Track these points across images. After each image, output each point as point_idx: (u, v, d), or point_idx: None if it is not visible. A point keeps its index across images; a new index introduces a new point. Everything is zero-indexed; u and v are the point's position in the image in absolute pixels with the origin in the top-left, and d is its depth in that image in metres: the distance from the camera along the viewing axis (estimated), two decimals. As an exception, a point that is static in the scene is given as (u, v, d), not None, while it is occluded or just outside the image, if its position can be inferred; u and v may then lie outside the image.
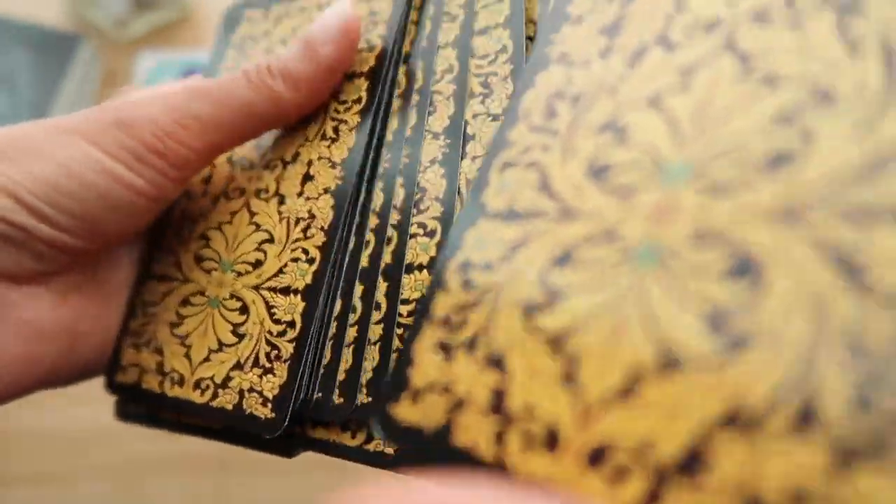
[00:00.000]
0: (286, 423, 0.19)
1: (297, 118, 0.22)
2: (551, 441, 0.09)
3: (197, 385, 0.21)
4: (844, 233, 0.09)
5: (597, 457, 0.09)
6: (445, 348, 0.12)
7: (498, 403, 0.10)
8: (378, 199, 0.20)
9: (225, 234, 0.22)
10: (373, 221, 0.20)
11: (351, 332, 0.19)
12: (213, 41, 0.29)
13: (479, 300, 0.12)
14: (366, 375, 0.18)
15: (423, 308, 0.13)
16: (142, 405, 0.23)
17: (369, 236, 0.20)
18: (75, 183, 0.19)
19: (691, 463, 0.08)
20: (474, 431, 0.10)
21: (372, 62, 0.22)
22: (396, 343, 0.18)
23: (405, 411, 0.12)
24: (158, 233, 0.24)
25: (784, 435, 0.08)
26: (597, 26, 0.14)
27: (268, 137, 0.23)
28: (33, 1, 0.56)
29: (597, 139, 0.12)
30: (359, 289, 0.19)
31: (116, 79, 0.54)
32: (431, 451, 0.11)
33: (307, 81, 0.21)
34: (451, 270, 0.13)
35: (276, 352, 0.20)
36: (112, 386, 0.23)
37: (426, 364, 0.12)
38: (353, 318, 0.19)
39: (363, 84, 0.22)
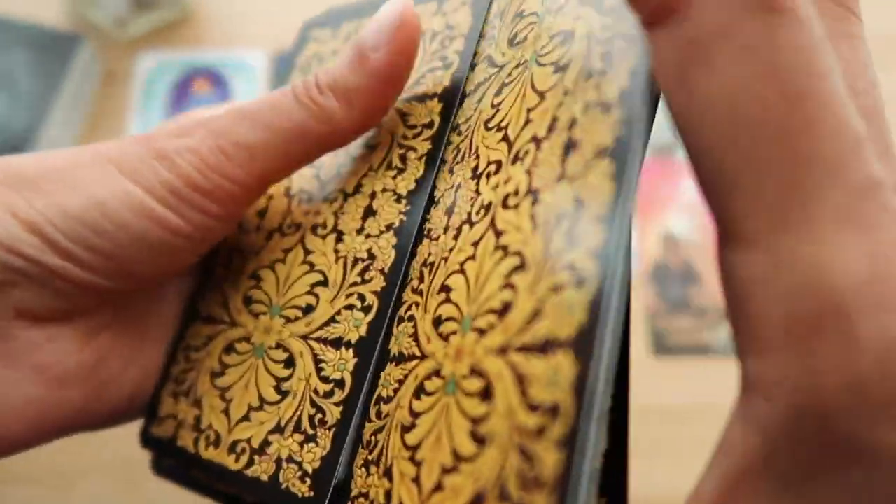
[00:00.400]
0: None
1: (354, 137, 0.19)
2: None
3: (232, 448, 0.18)
4: (520, 361, 0.13)
5: None
6: (367, 465, 0.16)
7: (388, 500, 0.15)
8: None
9: (277, 275, 0.20)
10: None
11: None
12: (275, 65, 0.24)
13: (384, 426, 0.16)
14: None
15: (356, 434, 0.17)
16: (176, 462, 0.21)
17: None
18: (108, 221, 0.17)
19: None
20: None
21: (447, 82, 0.19)
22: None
23: None
24: (208, 268, 0.22)
25: None
26: (443, 208, 0.18)
27: (328, 168, 0.21)
28: (33, 1, 0.56)
29: (437, 297, 0.16)
30: None
31: (116, 79, 0.54)
32: None
33: (361, 95, 0.18)
34: (372, 404, 0.17)
35: (320, 415, 0.17)
36: (146, 439, 0.21)
37: (357, 477, 0.16)
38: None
39: (436, 107, 0.19)
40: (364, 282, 0.18)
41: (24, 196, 0.17)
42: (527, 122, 0.15)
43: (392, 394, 0.16)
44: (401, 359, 0.16)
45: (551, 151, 0.14)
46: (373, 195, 0.19)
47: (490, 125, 0.17)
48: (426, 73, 0.20)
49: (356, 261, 0.18)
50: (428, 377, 0.15)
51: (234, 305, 0.20)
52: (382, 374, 0.17)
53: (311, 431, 0.17)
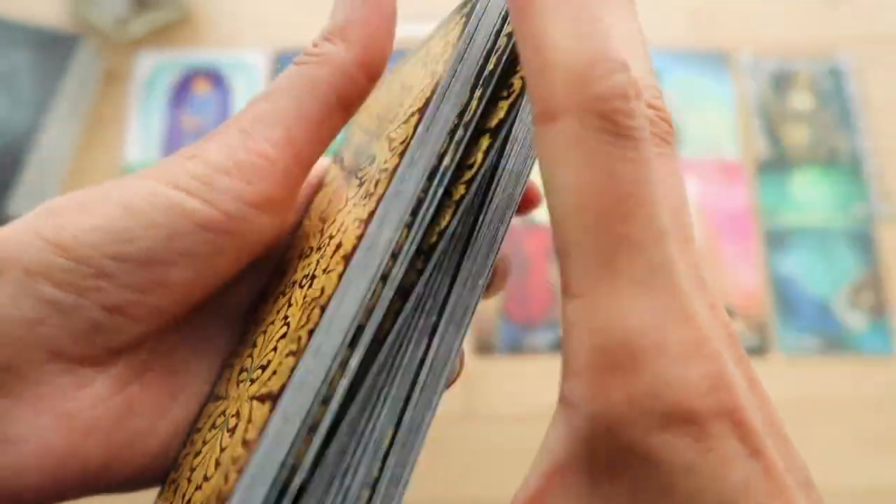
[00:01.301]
0: None
1: (365, 80, 0.18)
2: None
3: None
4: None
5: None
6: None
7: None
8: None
9: (266, 337, 0.18)
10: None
11: None
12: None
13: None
14: None
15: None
16: None
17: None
18: (136, 223, 0.17)
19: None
20: None
21: (429, 92, 0.17)
22: None
23: None
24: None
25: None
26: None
27: (328, 220, 0.19)
28: (33, 1, 0.56)
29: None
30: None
31: (116, 79, 0.54)
32: None
33: (354, 28, 0.18)
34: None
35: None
36: None
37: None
38: None
39: (413, 120, 0.17)
40: (308, 321, 0.16)
41: (50, 221, 0.17)
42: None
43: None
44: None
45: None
46: (343, 228, 0.17)
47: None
48: (413, 101, 0.19)
49: (312, 301, 0.16)
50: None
51: (233, 379, 0.19)
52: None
53: None
